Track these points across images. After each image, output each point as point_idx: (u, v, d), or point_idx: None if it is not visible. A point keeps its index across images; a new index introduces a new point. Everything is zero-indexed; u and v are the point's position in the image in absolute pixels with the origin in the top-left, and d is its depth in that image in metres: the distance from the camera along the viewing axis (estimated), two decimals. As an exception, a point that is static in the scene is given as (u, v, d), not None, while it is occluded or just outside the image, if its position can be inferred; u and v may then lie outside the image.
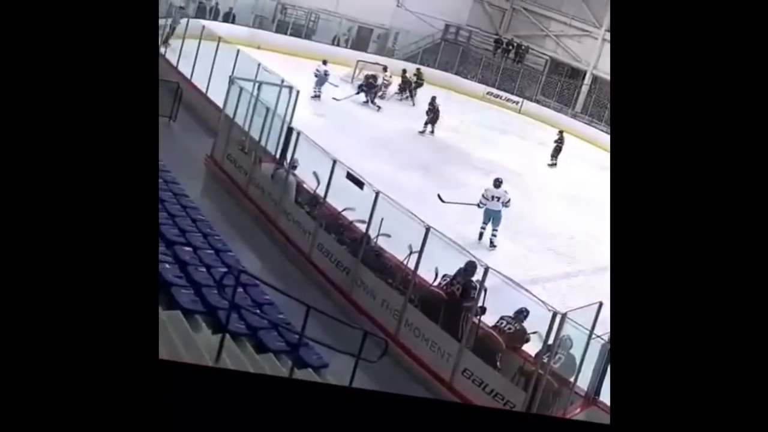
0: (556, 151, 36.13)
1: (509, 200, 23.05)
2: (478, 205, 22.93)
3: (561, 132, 37.24)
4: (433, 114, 35.40)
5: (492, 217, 22.79)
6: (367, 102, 37.37)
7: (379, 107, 37.38)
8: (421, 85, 41.21)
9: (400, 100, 39.87)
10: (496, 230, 22.86)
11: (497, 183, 23.34)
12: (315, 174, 18.05)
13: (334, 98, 36.05)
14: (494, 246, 22.60)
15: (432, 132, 34.98)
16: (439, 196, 23.74)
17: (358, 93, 37.53)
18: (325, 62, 36.48)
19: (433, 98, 35.92)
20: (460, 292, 14.86)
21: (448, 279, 15.25)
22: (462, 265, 14.99)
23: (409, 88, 40.34)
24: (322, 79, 35.57)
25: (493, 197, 22.89)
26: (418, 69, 43.28)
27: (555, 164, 35.90)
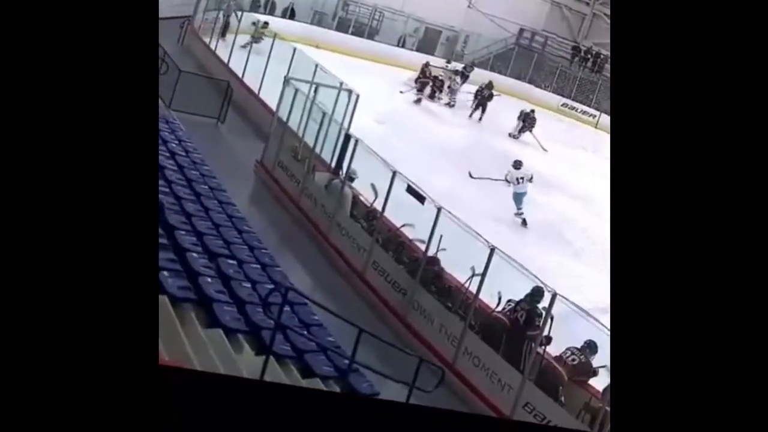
0: (523, 129, 37.68)
1: (532, 175, 25.49)
2: (506, 179, 25.44)
3: (533, 111, 38.73)
4: (481, 100, 36.05)
5: (521, 199, 25.27)
6: (418, 101, 38.08)
7: (419, 99, 38.32)
8: (466, 77, 41.25)
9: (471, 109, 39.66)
10: (521, 209, 25.21)
11: (517, 165, 25.73)
12: (373, 186, 18.04)
13: (400, 91, 36.85)
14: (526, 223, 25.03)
15: (480, 119, 36.45)
16: (470, 173, 26.26)
17: (420, 90, 38.48)
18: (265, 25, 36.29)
19: (490, 83, 36.92)
20: (524, 320, 14.76)
21: (513, 304, 15.16)
22: (528, 290, 14.90)
23: (482, 97, 40.17)
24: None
25: (517, 179, 25.22)
26: (465, 66, 43.46)
27: (515, 137, 37.37)
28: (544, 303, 14.29)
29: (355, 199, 19.17)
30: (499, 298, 15.46)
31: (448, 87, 39.84)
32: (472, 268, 15.33)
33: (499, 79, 45.60)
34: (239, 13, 34.23)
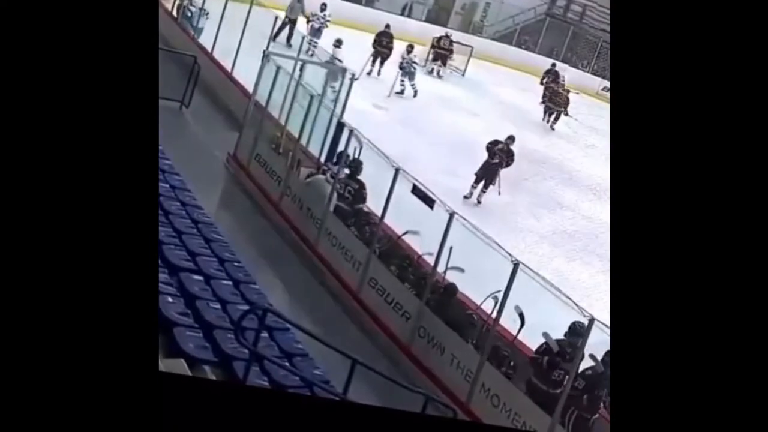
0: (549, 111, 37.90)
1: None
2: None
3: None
4: (553, 96, 35.83)
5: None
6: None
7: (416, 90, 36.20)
8: (450, 52, 40.55)
9: (547, 121, 38.53)
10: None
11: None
12: (521, 315, 17.37)
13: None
14: None
15: (552, 127, 36.51)
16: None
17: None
18: None
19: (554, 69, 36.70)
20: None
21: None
22: (564, 317, 14.72)
23: (560, 103, 38.72)
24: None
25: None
26: (447, 36, 42.01)
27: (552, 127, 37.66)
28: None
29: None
30: (521, 315, 15.27)
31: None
32: (495, 298, 15.24)
33: (527, 58, 45.63)
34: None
